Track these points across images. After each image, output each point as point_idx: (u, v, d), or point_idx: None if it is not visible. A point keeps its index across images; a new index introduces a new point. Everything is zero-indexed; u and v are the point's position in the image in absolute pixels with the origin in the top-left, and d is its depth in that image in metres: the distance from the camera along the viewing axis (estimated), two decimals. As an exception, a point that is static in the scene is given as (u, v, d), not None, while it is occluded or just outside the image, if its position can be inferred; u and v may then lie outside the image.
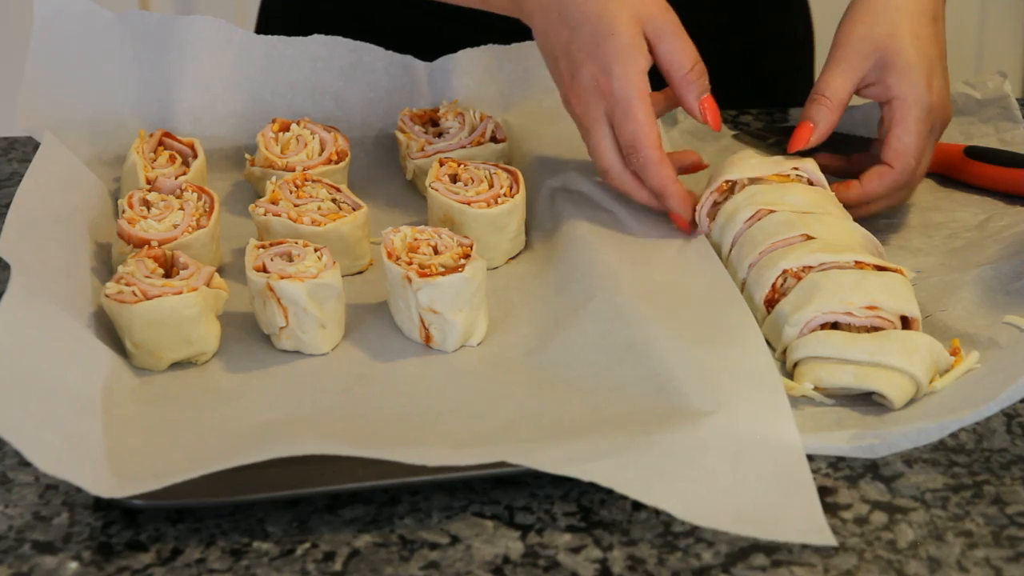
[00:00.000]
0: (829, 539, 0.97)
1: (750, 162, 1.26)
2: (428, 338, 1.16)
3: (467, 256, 1.16)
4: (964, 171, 1.37)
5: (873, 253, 1.20)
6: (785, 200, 1.22)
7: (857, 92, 1.27)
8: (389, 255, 1.16)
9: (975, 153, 1.36)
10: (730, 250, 1.23)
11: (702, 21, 1.24)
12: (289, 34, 1.42)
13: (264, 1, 1.64)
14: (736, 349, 1.10)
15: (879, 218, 1.31)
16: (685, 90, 1.23)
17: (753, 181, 1.24)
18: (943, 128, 1.30)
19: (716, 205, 1.25)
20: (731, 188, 1.25)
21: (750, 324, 1.13)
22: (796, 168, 1.25)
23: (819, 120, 1.26)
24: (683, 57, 1.22)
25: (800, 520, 0.98)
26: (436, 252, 1.17)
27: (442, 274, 1.14)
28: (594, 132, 1.24)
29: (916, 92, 1.25)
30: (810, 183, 1.25)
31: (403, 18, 1.51)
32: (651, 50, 1.22)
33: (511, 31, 1.40)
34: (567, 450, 1.02)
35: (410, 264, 1.15)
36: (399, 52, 1.43)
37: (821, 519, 0.98)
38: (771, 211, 1.22)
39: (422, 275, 1.14)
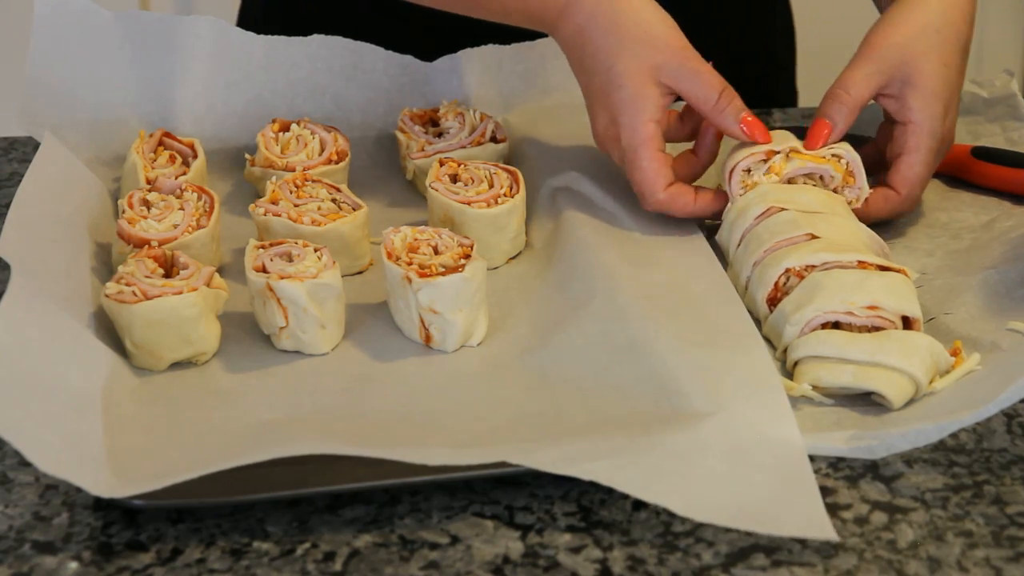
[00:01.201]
0: (831, 534, 0.97)
1: (790, 141, 1.26)
2: (428, 338, 1.16)
3: (467, 256, 1.16)
4: (971, 171, 1.37)
5: (878, 254, 1.20)
6: (796, 199, 1.23)
7: (874, 98, 1.27)
8: (389, 255, 1.16)
9: (982, 153, 1.36)
10: (737, 247, 1.23)
11: (682, 23, 1.25)
12: (295, 31, 1.42)
13: (243, 5, 1.64)
14: (737, 351, 1.10)
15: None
16: (721, 120, 1.25)
17: (793, 152, 1.25)
18: (943, 158, 1.30)
19: (749, 172, 1.25)
20: (768, 158, 1.25)
21: (750, 326, 1.13)
22: (834, 153, 1.25)
23: (838, 119, 1.26)
24: (706, 91, 1.24)
25: (801, 516, 0.98)
26: (436, 252, 1.17)
27: (442, 274, 1.14)
28: (624, 170, 1.27)
29: (933, 123, 1.26)
30: (849, 168, 1.25)
31: (390, 27, 1.51)
32: (675, 92, 1.24)
33: (508, 34, 1.40)
34: (567, 450, 1.02)
35: (410, 264, 1.15)
36: (399, 52, 1.43)
37: (823, 515, 0.98)
38: (782, 209, 1.22)
39: (422, 275, 1.14)
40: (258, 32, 1.41)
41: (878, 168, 1.30)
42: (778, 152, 1.25)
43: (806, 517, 0.98)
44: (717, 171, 1.33)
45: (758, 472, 1.01)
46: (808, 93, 1.71)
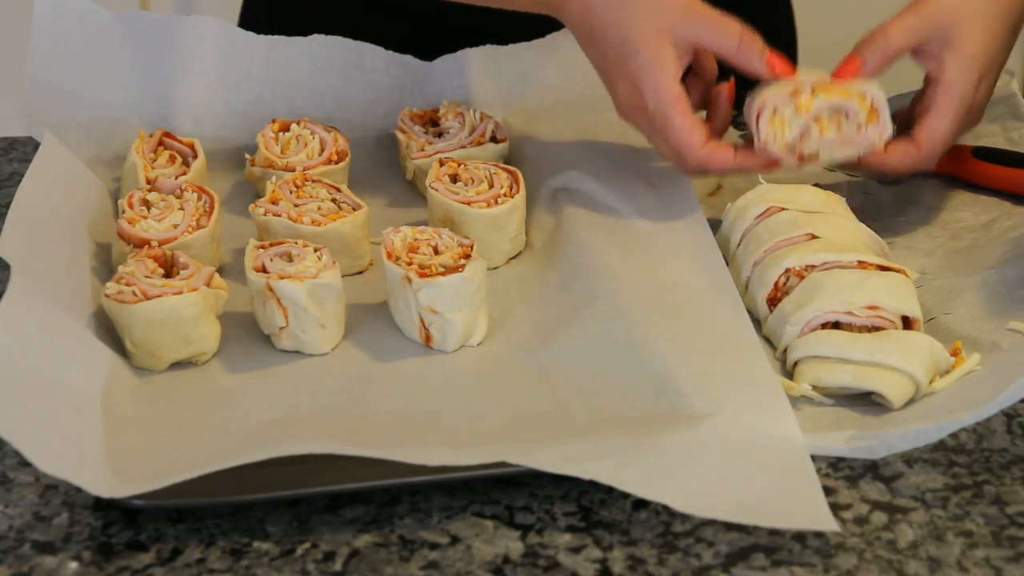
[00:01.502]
0: (832, 526, 0.96)
1: (815, 73, 1.25)
2: (428, 338, 1.16)
3: (467, 256, 1.16)
4: (971, 171, 1.36)
5: (878, 254, 1.20)
6: (796, 199, 1.23)
7: (912, 53, 1.26)
8: (389, 255, 1.16)
9: (982, 153, 1.36)
10: (738, 246, 1.23)
11: None
12: (297, 31, 1.42)
13: (245, 5, 1.64)
14: (737, 354, 1.10)
15: (885, 217, 1.31)
16: (746, 62, 1.23)
17: (819, 87, 1.23)
18: (968, 132, 1.29)
19: (775, 111, 1.24)
20: (796, 96, 1.24)
21: (749, 328, 1.13)
22: (859, 90, 1.24)
23: (870, 60, 1.24)
24: (726, 38, 1.23)
25: (803, 510, 0.98)
26: (436, 252, 1.17)
27: (442, 274, 1.14)
28: (651, 139, 1.26)
29: (964, 86, 1.24)
30: (873, 105, 1.24)
31: (390, 27, 1.51)
32: (693, 49, 1.23)
33: (506, 32, 1.40)
34: (567, 450, 1.02)
35: (410, 264, 1.15)
36: (399, 52, 1.43)
37: (824, 508, 0.98)
38: (782, 208, 1.22)
39: (422, 275, 1.14)
40: (259, 32, 1.41)
41: (904, 133, 1.28)
42: (803, 93, 1.24)
43: (808, 511, 0.98)
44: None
45: (759, 468, 1.01)
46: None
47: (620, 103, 1.26)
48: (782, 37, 1.66)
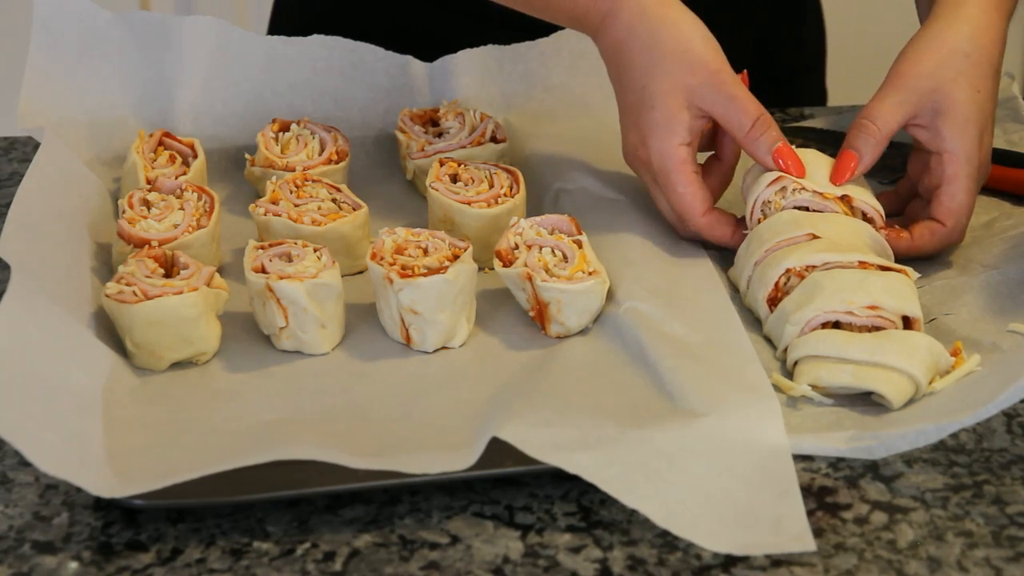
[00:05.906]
0: (810, 546, 0.96)
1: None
2: (408, 338, 1.16)
3: (456, 258, 1.16)
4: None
5: (879, 253, 1.20)
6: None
7: (904, 127, 1.24)
8: (373, 255, 1.16)
9: None
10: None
11: (713, 21, 1.23)
12: (297, 31, 1.42)
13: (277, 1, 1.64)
14: (730, 355, 1.10)
15: (885, 217, 1.31)
16: (753, 148, 1.22)
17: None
18: (983, 184, 1.27)
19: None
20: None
21: (741, 331, 1.13)
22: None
23: (865, 152, 1.22)
24: (741, 116, 1.21)
25: (782, 530, 0.97)
26: (426, 254, 1.17)
27: (424, 275, 1.14)
28: (650, 191, 1.25)
29: (968, 150, 1.22)
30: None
31: (408, 16, 1.51)
32: (711, 115, 1.21)
33: (511, 28, 1.40)
34: (557, 436, 1.01)
35: (392, 264, 1.15)
36: (399, 52, 1.43)
37: (804, 525, 0.97)
38: (782, 208, 1.22)
39: (403, 276, 1.14)
40: (288, 25, 1.41)
41: (911, 199, 1.28)
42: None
43: (787, 531, 0.97)
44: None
45: (742, 484, 1.00)
46: (837, 93, 1.71)
47: (626, 149, 1.25)
48: (811, 37, 1.65)
